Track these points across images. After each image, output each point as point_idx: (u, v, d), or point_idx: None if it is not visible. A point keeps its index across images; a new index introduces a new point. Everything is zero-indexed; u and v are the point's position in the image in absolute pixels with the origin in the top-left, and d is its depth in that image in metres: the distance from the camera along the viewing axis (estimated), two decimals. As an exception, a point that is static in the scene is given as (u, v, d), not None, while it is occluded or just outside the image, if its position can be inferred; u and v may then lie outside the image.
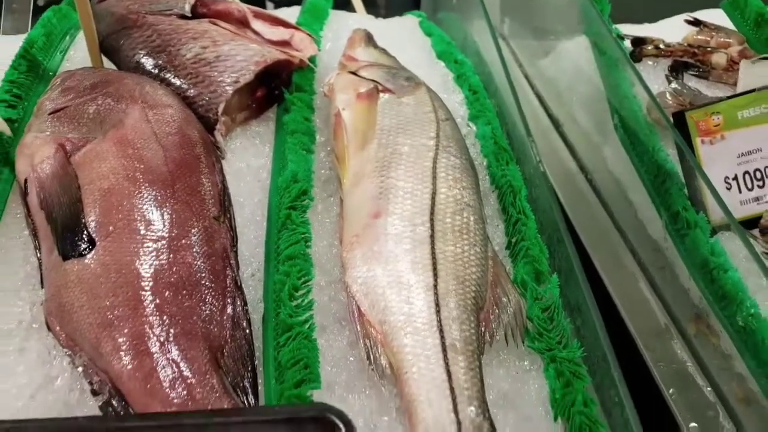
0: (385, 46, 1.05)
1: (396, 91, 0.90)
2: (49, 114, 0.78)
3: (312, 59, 1.01)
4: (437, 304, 0.67)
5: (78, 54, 1.02)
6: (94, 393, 0.61)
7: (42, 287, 0.68)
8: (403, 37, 1.26)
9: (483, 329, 0.69)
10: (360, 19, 1.33)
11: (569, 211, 0.98)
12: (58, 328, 0.64)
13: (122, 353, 0.60)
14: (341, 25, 1.21)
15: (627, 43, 1.18)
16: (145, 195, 0.69)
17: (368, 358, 0.66)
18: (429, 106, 0.89)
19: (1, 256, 0.73)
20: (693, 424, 0.70)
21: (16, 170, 0.76)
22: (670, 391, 0.73)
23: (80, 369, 0.62)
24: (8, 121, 0.84)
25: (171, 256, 0.66)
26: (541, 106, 1.24)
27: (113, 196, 0.68)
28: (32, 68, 0.93)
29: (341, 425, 0.54)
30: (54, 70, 0.97)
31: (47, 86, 0.87)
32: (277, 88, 0.95)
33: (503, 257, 0.80)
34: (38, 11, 1.20)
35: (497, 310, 0.71)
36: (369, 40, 1.04)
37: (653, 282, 0.86)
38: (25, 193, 0.73)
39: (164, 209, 0.69)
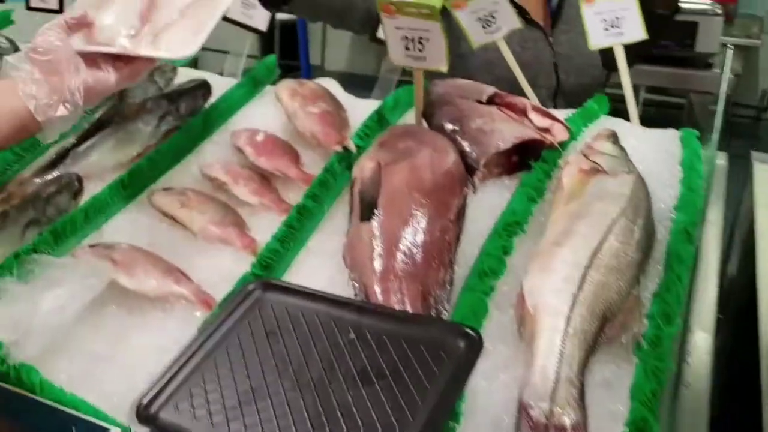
0: (636, 146, 1.37)
1: (609, 173, 1.22)
2: (378, 144, 1.29)
3: (563, 144, 1.37)
4: (573, 304, 0.97)
5: (407, 118, 1.54)
6: (355, 295, 1.05)
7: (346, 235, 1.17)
8: (657, 142, 1.52)
9: (606, 333, 0.97)
10: (627, 126, 1.62)
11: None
12: (347, 258, 1.11)
13: (374, 274, 1.04)
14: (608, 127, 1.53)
15: None
16: (413, 196, 1.14)
17: (519, 323, 0.99)
18: (628, 188, 1.18)
19: (331, 217, 1.25)
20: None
21: (352, 174, 1.27)
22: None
23: (351, 279, 1.07)
24: (358, 147, 1.37)
25: (416, 232, 1.09)
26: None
27: (395, 193, 1.15)
28: (380, 120, 1.46)
29: (475, 336, 0.89)
30: (393, 123, 1.51)
31: (386, 132, 1.39)
32: (529, 158, 1.33)
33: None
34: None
35: (621, 327, 0.99)
36: (609, 137, 1.36)
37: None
38: (352, 186, 1.23)
39: (421, 206, 1.13)
